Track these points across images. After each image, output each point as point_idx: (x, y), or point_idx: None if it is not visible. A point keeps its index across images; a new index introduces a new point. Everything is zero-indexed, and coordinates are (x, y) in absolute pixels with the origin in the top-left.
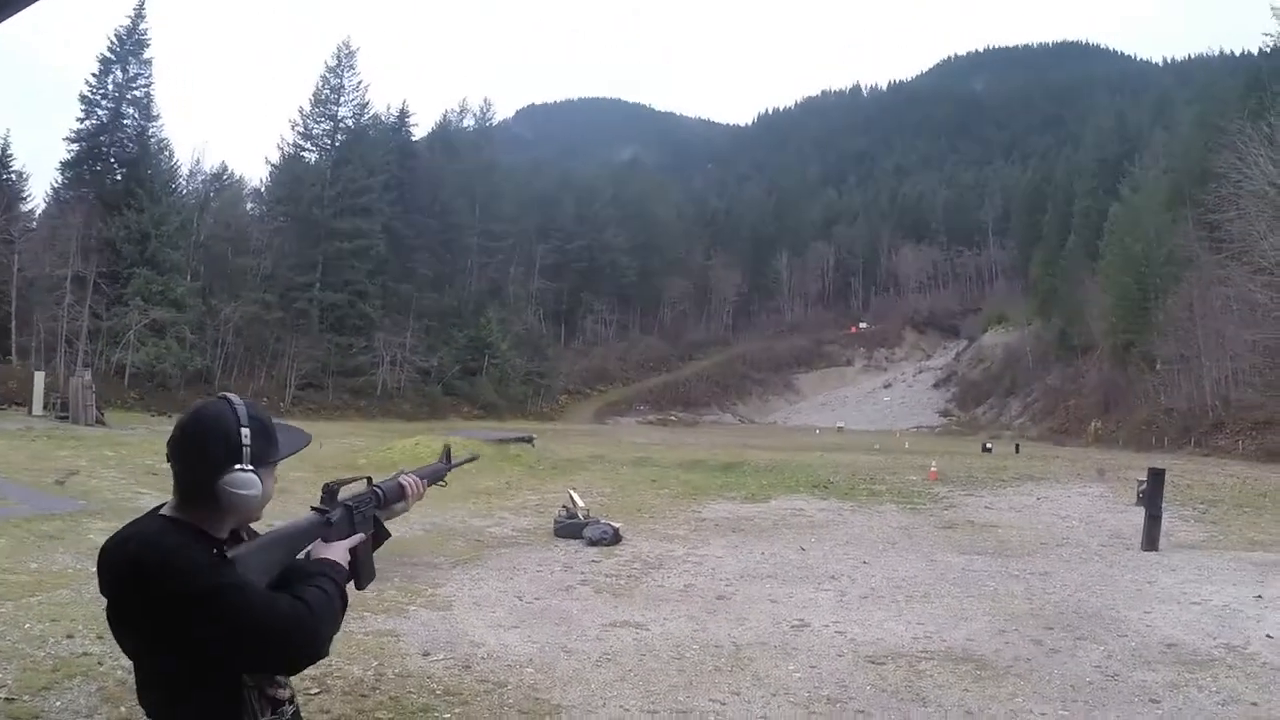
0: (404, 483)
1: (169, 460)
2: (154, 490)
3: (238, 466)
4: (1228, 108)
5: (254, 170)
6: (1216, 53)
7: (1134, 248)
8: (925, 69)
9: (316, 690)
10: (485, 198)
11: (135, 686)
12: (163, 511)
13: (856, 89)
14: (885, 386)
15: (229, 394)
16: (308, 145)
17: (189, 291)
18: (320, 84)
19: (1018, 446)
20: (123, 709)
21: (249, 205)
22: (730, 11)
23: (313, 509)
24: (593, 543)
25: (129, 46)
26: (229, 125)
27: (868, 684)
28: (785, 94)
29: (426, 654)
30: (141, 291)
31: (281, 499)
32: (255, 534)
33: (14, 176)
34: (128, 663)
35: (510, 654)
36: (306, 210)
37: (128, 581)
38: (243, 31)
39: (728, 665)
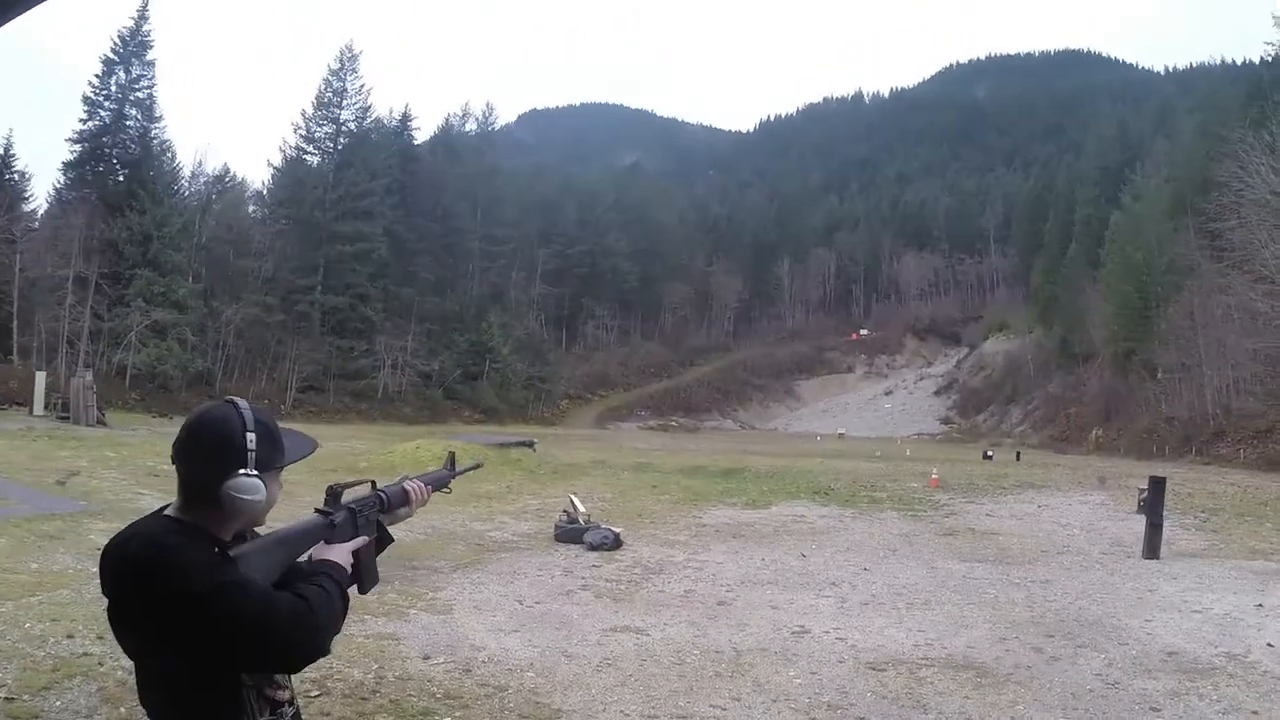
0: (408, 488)
1: (174, 462)
2: (155, 491)
3: (242, 471)
4: (1229, 116)
5: (256, 173)
6: (1218, 61)
7: (1135, 256)
8: (927, 76)
9: (317, 693)
10: (487, 202)
11: (136, 687)
12: (166, 512)
13: (859, 96)
14: (886, 393)
15: (235, 398)
16: (310, 148)
17: (190, 293)
18: (323, 87)
19: (1019, 454)
20: (123, 709)
21: (251, 208)
22: (732, 17)
23: (316, 511)
24: (593, 548)
25: (132, 48)
26: (232, 128)
27: (868, 690)
28: (787, 100)
29: (427, 657)
30: (143, 293)
31: (282, 501)
32: (259, 536)
33: (16, 176)
34: (128, 663)
35: (511, 658)
36: (308, 213)
37: (129, 581)
38: (246, 34)
39: (728, 671)
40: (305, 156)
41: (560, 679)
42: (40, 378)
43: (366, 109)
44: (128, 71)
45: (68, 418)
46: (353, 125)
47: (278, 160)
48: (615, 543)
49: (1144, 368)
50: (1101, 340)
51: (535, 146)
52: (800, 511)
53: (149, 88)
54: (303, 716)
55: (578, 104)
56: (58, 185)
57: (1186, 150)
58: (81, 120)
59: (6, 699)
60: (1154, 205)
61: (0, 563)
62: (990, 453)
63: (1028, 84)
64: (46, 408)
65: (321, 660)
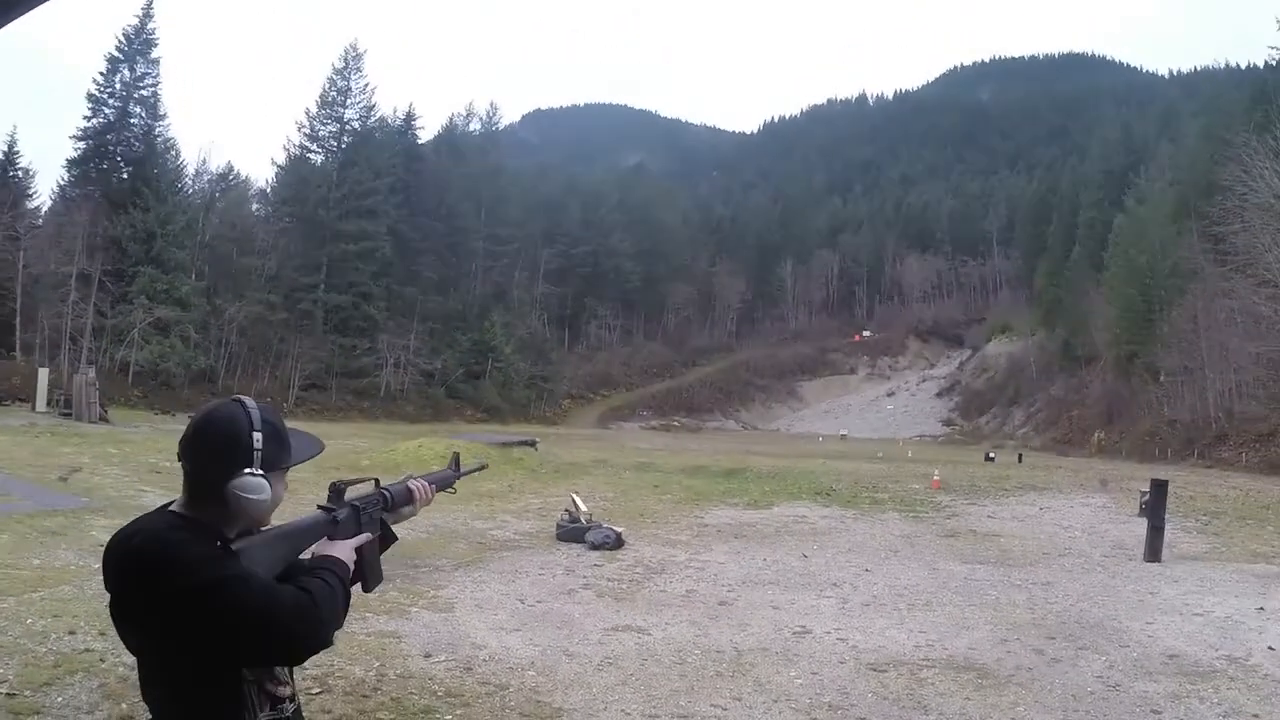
0: (412, 487)
1: (179, 459)
2: (157, 488)
3: (247, 470)
4: (1233, 120)
5: (260, 171)
6: (1222, 65)
7: (1139, 259)
8: (931, 78)
9: (318, 690)
10: (491, 201)
11: (138, 683)
12: (171, 508)
13: (863, 98)
14: (888, 395)
15: (243, 397)
16: (314, 147)
17: (193, 291)
18: (327, 86)
19: (1020, 456)
20: (124, 706)
21: (254, 206)
22: (733, 18)
23: (319, 507)
24: (595, 547)
25: (137, 45)
26: (236, 126)
27: (869, 691)
28: (791, 102)
29: (428, 655)
30: (146, 290)
31: (285, 500)
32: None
33: (21, 174)
34: (129, 659)
35: (512, 657)
36: (312, 211)
37: (133, 576)
38: (250, 33)
39: (729, 671)
40: (309, 155)
41: (561, 678)
42: (43, 374)
43: (371, 108)
44: (132, 69)
45: (70, 414)
46: (357, 124)
47: (282, 158)
48: (617, 542)
49: (1146, 371)
50: (1104, 343)
51: (539, 146)
52: (802, 512)
53: (153, 85)
54: (304, 713)
55: (581, 104)
56: (61, 182)
57: (1190, 154)
58: (86, 117)
59: (8, 695)
60: (1158, 208)
61: (2, 558)
62: (992, 455)
63: (1032, 87)
64: (49, 404)
65: (323, 657)
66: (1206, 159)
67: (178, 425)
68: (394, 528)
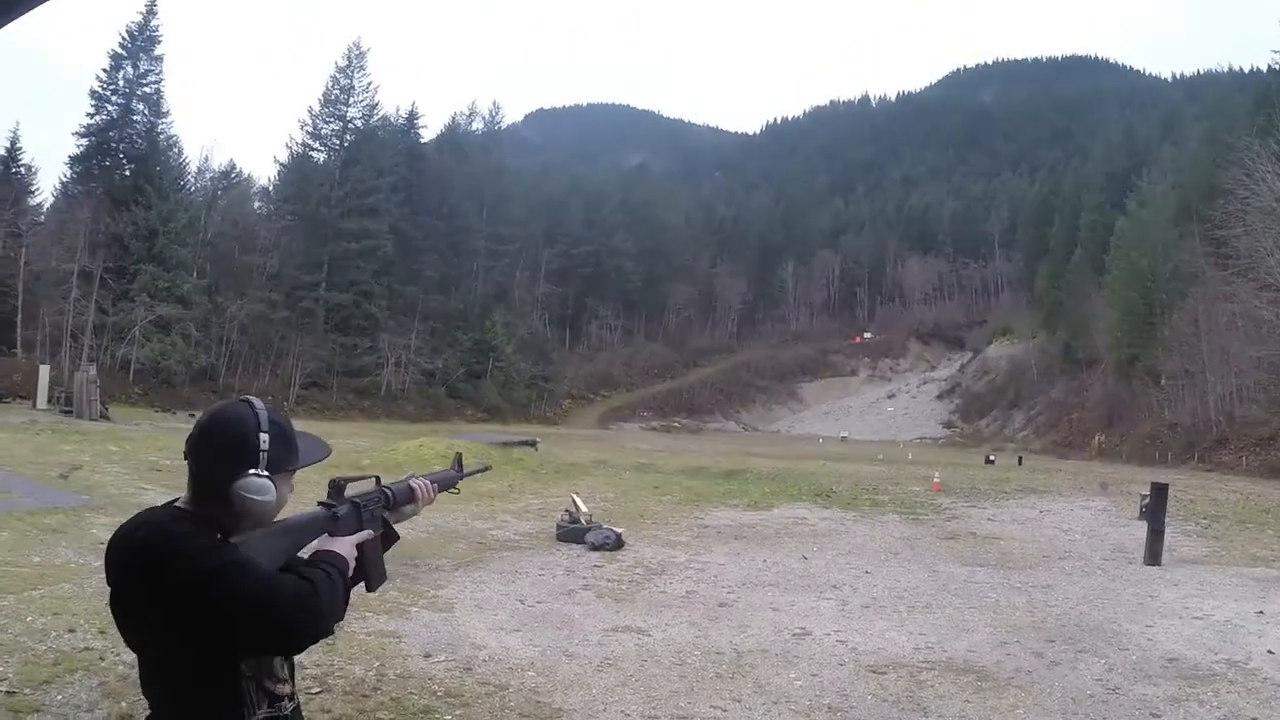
0: (414, 485)
1: (186, 458)
2: (157, 486)
3: (253, 471)
4: (1236, 124)
5: (262, 169)
6: (1225, 68)
7: (1140, 262)
8: (934, 80)
9: (318, 690)
10: (493, 201)
11: (139, 681)
12: (176, 504)
13: (865, 99)
14: (889, 397)
15: (251, 397)
16: (316, 145)
17: (195, 288)
18: (330, 84)
19: (1021, 459)
20: (123, 704)
21: (256, 204)
22: (734, 19)
23: (319, 504)
24: (595, 547)
25: (140, 43)
26: (238, 124)
27: (869, 693)
28: (794, 103)
29: (428, 655)
30: (148, 287)
31: (288, 501)
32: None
33: (23, 170)
34: (129, 657)
35: (512, 657)
36: (314, 210)
37: (136, 569)
38: (252, 32)
39: (729, 672)
40: (312, 153)
41: (561, 678)
42: (44, 371)
43: (373, 106)
44: (135, 66)
45: (71, 412)
46: (359, 123)
47: (284, 157)
48: (617, 543)
49: (1147, 374)
50: (1105, 346)
51: (542, 146)
52: (802, 514)
53: (156, 83)
54: (304, 713)
55: (584, 104)
56: (64, 179)
57: (1193, 157)
58: (88, 115)
59: (8, 693)
60: (1160, 212)
61: (2, 556)
62: (992, 457)
63: (1034, 89)
64: (50, 401)
65: (323, 657)
66: (1209, 162)
67: (178, 423)
68: (396, 527)
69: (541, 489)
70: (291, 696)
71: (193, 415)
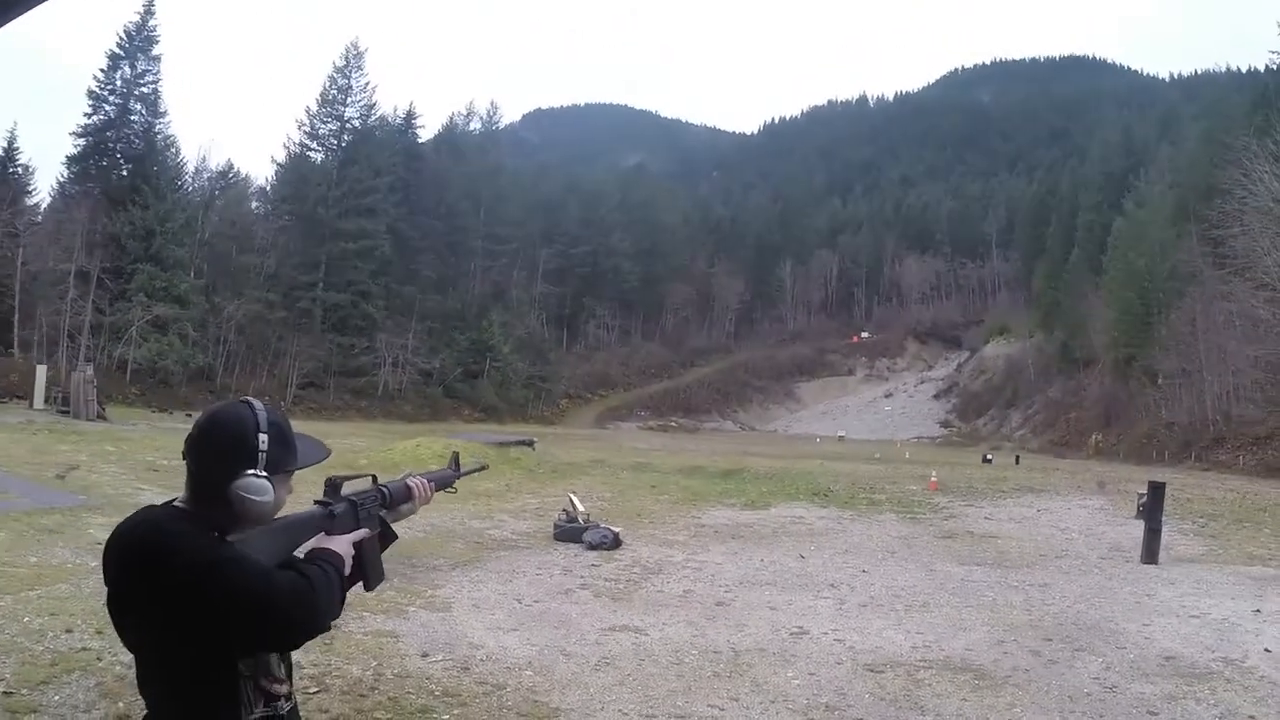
0: (411, 484)
1: (184, 458)
2: (154, 486)
3: (251, 472)
4: (1234, 124)
5: (260, 169)
6: (1223, 68)
7: (1137, 262)
8: (932, 80)
9: (315, 690)
10: (490, 201)
11: (135, 681)
12: (175, 504)
13: (863, 99)
14: (886, 396)
15: (250, 398)
16: (314, 145)
17: (192, 288)
18: (328, 84)
19: (1018, 458)
20: (121, 704)
21: (254, 204)
22: (731, 19)
23: (316, 502)
24: (592, 547)
25: (138, 43)
26: (236, 124)
27: (866, 692)
28: (792, 103)
29: (425, 655)
30: (145, 287)
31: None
32: None
33: (20, 170)
34: (126, 658)
35: (509, 656)
36: (311, 210)
37: (133, 566)
38: (250, 32)
39: (726, 671)
40: (309, 153)
41: (558, 678)
42: (41, 371)
43: (371, 106)
44: (133, 66)
45: (68, 412)
46: (357, 122)
47: (281, 156)
48: (614, 542)
49: (1144, 373)
50: (1102, 345)
51: (539, 146)
52: (799, 513)
53: (154, 82)
54: (301, 713)
55: (582, 104)
56: (61, 179)
57: (1190, 157)
58: (86, 114)
59: (5, 693)
60: (1157, 211)
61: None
62: (989, 456)
63: (1032, 89)
64: (47, 401)
65: (320, 657)
66: (1206, 162)
67: (175, 423)
68: (393, 526)
69: (539, 488)
70: (288, 696)
71: (189, 415)
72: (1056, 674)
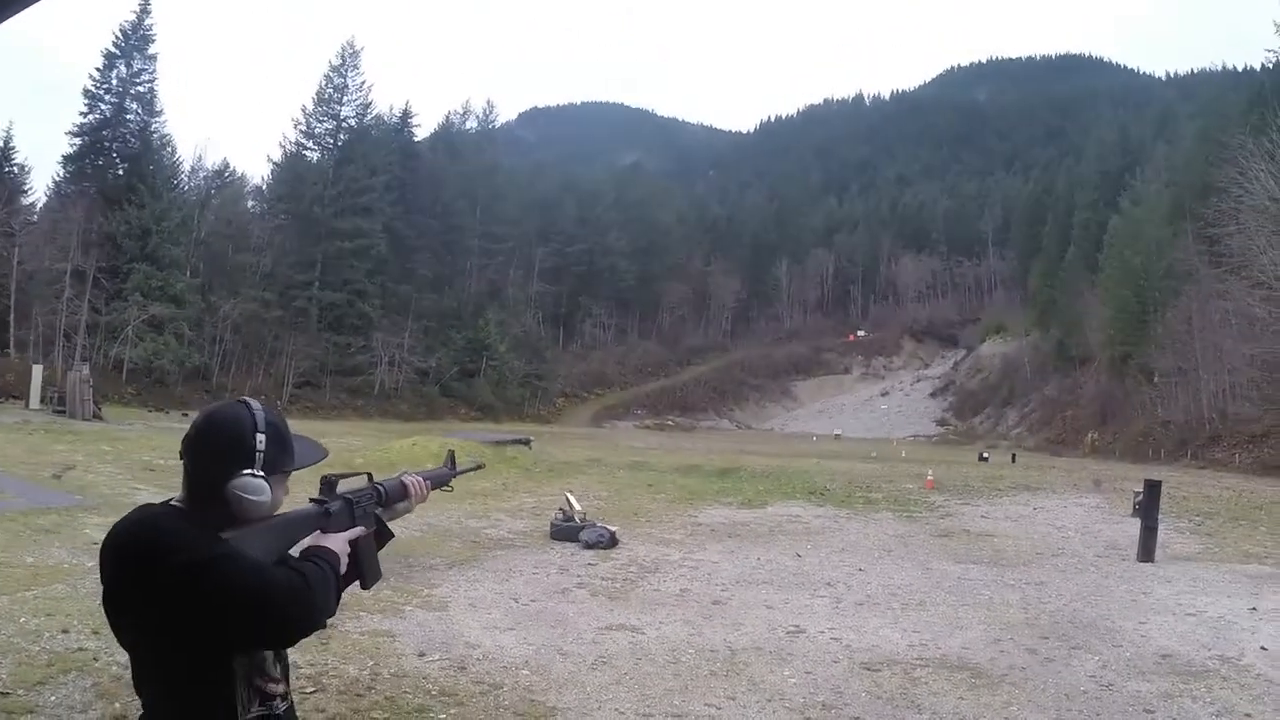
0: (407, 482)
1: (181, 457)
2: (151, 486)
3: (247, 471)
4: (1230, 122)
5: (256, 168)
6: (1219, 67)
7: (1133, 260)
8: (928, 79)
9: (312, 689)
10: (487, 199)
11: (131, 681)
12: (172, 502)
13: (859, 98)
14: (883, 395)
15: (248, 398)
16: (310, 144)
17: (188, 288)
18: (323, 83)
19: (1014, 456)
20: (117, 705)
21: (250, 203)
22: (728, 18)
23: (311, 500)
24: (589, 546)
25: (134, 42)
26: (232, 123)
27: (863, 690)
28: (788, 102)
29: (422, 654)
30: (141, 287)
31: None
32: None
33: (16, 169)
34: (123, 658)
35: (506, 656)
36: (307, 209)
37: (129, 564)
38: (246, 31)
39: (723, 670)
40: (305, 152)
41: (555, 677)
42: (37, 371)
43: (367, 105)
44: (129, 65)
45: (64, 411)
46: (353, 121)
47: (277, 156)
48: (611, 541)
49: (1140, 372)
50: (1098, 344)
51: (536, 145)
52: (796, 512)
53: (150, 82)
54: (298, 713)
55: (579, 103)
56: (57, 178)
57: (1186, 155)
58: (82, 114)
59: (1, 694)
60: (1153, 210)
61: None
62: (986, 455)
63: (1028, 88)
64: (43, 401)
65: (317, 656)
66: (1202, 161)
67: (171, 423)
68: (390, 525)
69: (535, 487)
70: (285, 696)
71: (186, 415)
72: (1053, 672)
